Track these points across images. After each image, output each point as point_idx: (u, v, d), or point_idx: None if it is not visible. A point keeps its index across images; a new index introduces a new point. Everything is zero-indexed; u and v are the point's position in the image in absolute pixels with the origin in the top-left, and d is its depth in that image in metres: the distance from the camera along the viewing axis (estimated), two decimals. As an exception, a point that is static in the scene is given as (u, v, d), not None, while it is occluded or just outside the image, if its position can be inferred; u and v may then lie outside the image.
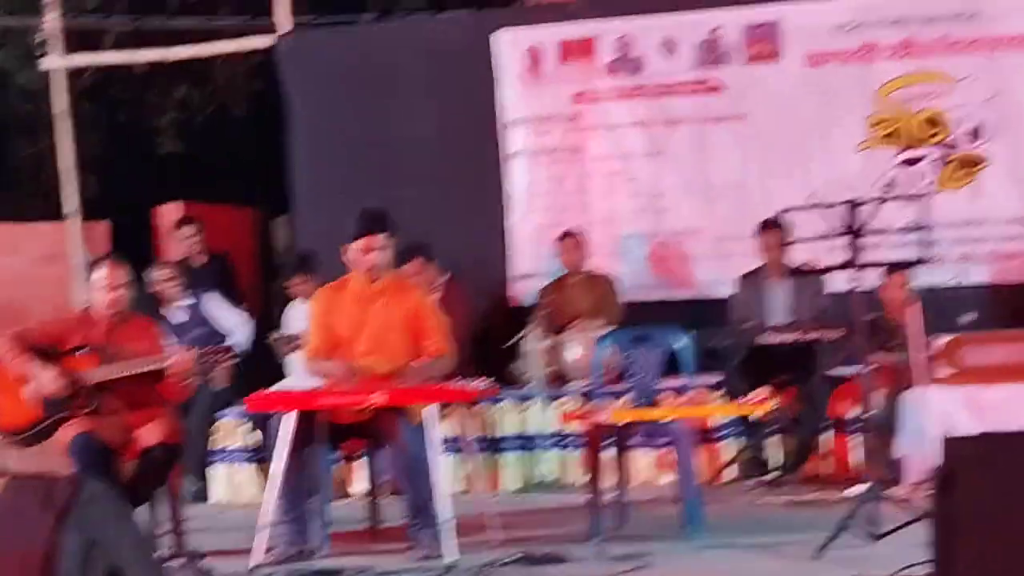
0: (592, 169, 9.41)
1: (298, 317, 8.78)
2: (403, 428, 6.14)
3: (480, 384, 5.99)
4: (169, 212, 10.75)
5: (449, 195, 9.46)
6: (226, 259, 10.11)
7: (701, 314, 8.97)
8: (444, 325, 6.53)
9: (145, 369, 6.49)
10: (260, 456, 8.70)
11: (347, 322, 6.45)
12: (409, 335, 6.42)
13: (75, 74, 11.09)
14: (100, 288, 6.66)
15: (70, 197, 10.22)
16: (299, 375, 8.49)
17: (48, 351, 6.62)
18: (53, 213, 11.18)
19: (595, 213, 9.39)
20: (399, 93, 9.63)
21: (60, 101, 10.24)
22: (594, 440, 6.20)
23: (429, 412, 5.94)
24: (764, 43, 9.08)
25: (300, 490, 6.22)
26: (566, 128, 9.43)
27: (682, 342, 6.47)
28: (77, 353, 6.60)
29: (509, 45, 9.47)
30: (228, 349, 6.50)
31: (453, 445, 7.48)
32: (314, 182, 9.93)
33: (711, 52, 9.15)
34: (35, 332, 6.70)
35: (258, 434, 8.74)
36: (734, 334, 7.89)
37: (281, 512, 6.15)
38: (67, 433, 6.44)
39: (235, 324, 8.80)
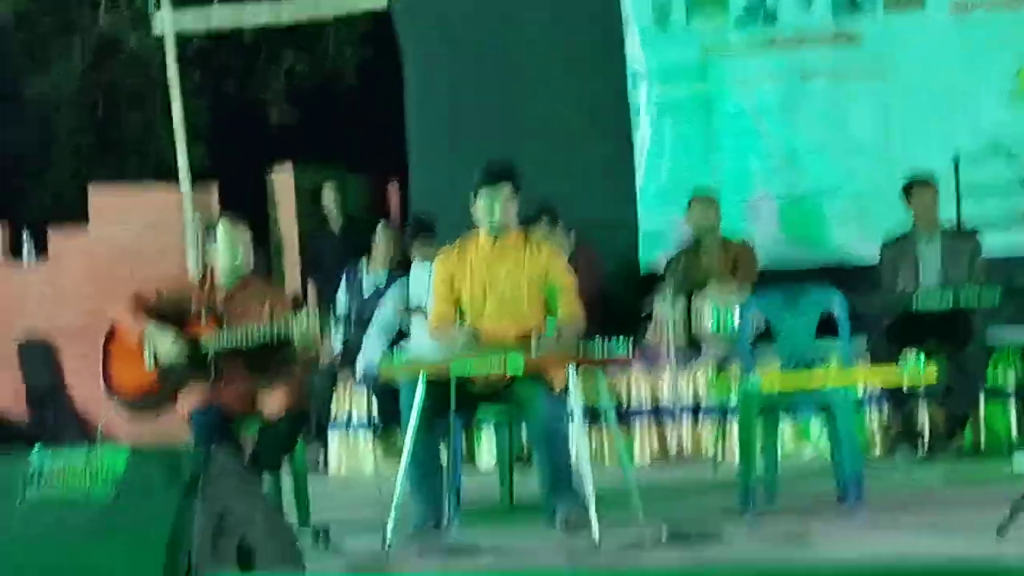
0: (722, 125, 8.94)
1: (420, 281, 8.43)
2: (541, 396, 5.77)
3: (623, 349, 5.59)
4: (282, 176, 10.46)
5: (574, 153, 9.07)
6: (363, 222, 9.87)
7: (839, 279, 8.53)
8: (575, 287, 6.14)
9: (268, 335, 6.18)
10: (378, 426, 8.42)
11: (472, 285, 6.08)
12: (539, 297, 6.05)
13: (184, 41, 10.94)
14: (220, 249, 6.36)
15: (182, 161, 9.95)
16: (420, 342, 8.18)
17: (167, 316, 6.34)
18: (162, 179, 10.99)
19: (726, 173, 8.92)
20: (520, 47, 9.25)
21: (171, 64, 9.96)
22: (747, 409, 5.78)
23: (571, 379, 5.55)
24: (906, -10, 8.55)
25: (431, 462, 5.87)
26: (695, 82, 8.96)
27: (837, 303, 6.02)
28: (198, 318, 6.32)
29: (635, -2, 9.03)
30: (359, 314, 6.16)
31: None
32: (430, 143, 9.58)
33: (849, 1, 8.63)
34: (153, 296, 6.42)
35: (375, 403, 8.47)
36: (882, 298, 7.42)
37: (412, 485, 5.80)
38: (187, 401, 6.16)
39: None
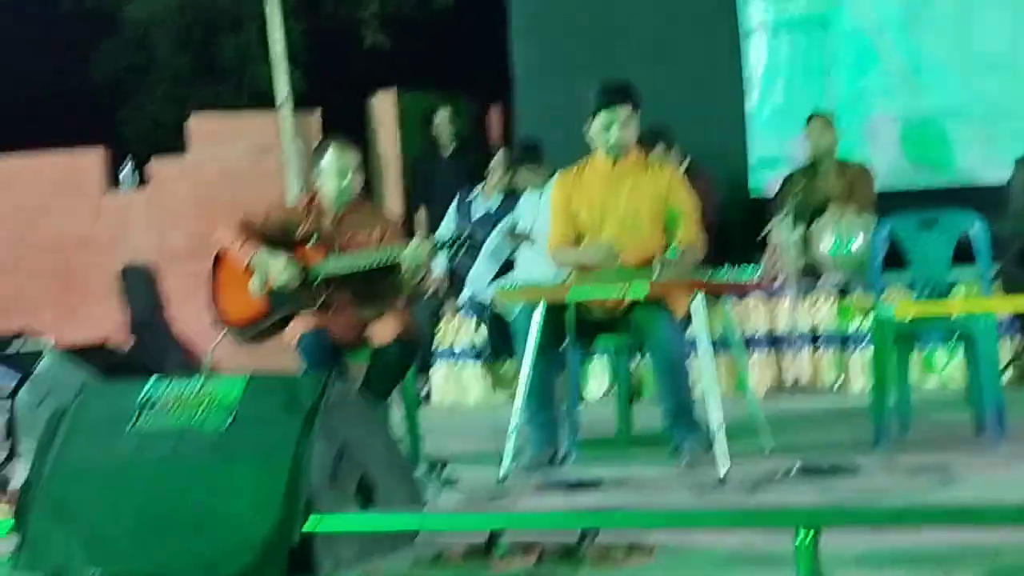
0: (839, 43, 8.58)
1: (529, 208, 8.23)
2: (664, 324, 5.53)
3: (751, 275, 5.33)
4: (383, 101, 10.24)
5: (682, 76, 8.75)
6: (473, 147, 9.69)
7: (965, 204, 8.21)
8: (697, 211, 5.88)
9: (378, 261, 5.99)
10: (485, 355, 8.24)
11: (591, 207, 5.84)
12: (659, 220, 5.79)
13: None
14: (329, 173, 6.14)
15: (281, 86, 9.76)
16: (529, 268, 7.97)
17: (276, 240, 6.16)
18: (260, 105, 10.84)
19: (843, 92, 8.58)
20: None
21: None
22: (882, 337, 5.50)
23: (699, 306, 5.30)
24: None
25: (548, 391, 5.67)
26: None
27: (978, 227, 5.71)
28: (306, 243, 6.13)
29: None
30: (469, 238, 5.94)
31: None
32: (534, 67, 9.34)
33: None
34: (261, 220, 6.23)
35: (483, 331, 8.29)
36: (1013, 222, 7.08)
37: (528, 416, 5.60)
38: (296, 329, 5.98)
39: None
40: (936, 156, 8.41)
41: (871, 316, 5.70)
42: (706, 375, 5.31)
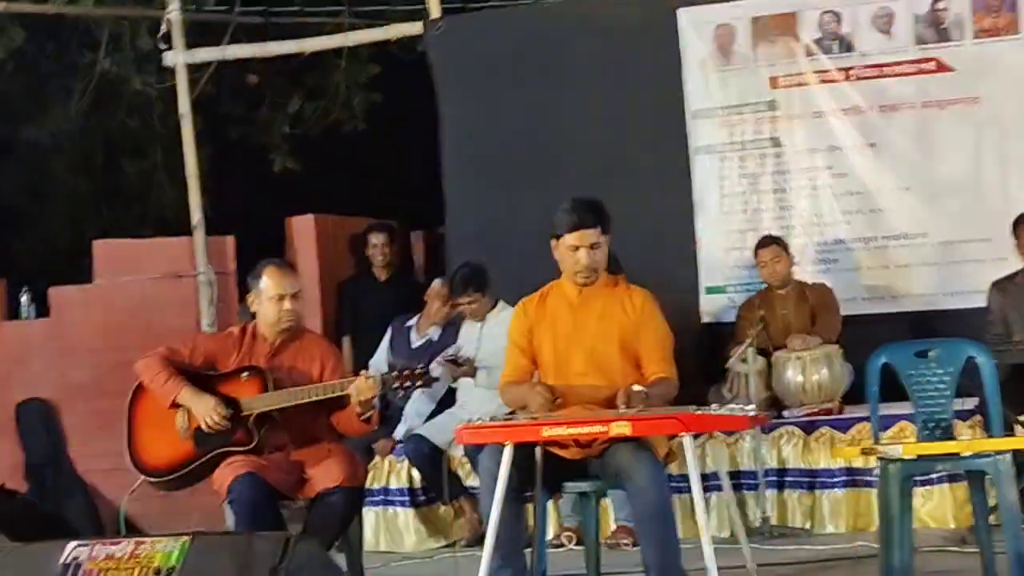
0: (794, 165, 8.13)
1: (470, 338, 7.65)
2: (647, 465, 4.94)
3: (748, 410, 4.77)
4: (302, 225, 9.63)
5: (627, 197, 8.14)
6: (406, 274, 9.12)
7: (923, 331, 7.76)
8: (671, 341, 5.35)
9: (321, 397, 5.37)
10: (420, 499, 7.60)
11: (555, 338, 5.28)
12: (631, 352, 5.24)
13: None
14: (267, 297, 5.53)
15: (195, 209, 9.13)
16: (473, 402, 7.38)
17: (201, 375, 5.52)
18: (164, 233, 10.22)
19: (797, 216, 8.12)
20: (567, 81, 8.45)
21: (184, 102, 9.17)
22: (889, 479, 4.94)
23: (689, 443, 4.72)
24: (998, 14, 7.77)
25: (518, 539, 5.05)
26: (762, 118, 8.16)
27: (982, 355, 5.22)
28: (237, 377, 5.50)
29: (695, 23, 8.23)
30: (424, 372, 5.34)
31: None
32: (468, 187, 8.75)
33: (933, 26, 7.85)
34: (185, 352, 5.60)
35: (416, 473, 7.64)
36: (993, 351, 6.61)
37: (496, 567, 4.96)
38: (226, 474, 5.32)
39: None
40: (895, 281, 7.94)
41: (874, 457, 5.15)
42: (701, 521, 4.72)
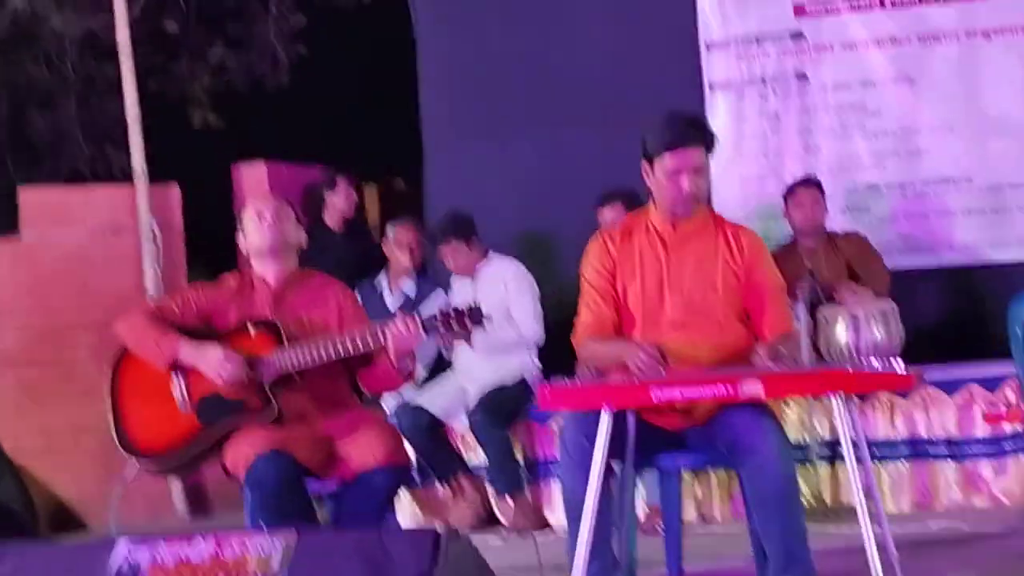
0: (820, 102, 7.31)
1: (463, 297, 6.71)
2: (774, 437, 4.07)
3: (905, 367, 3.91)
4: (253, 172, 8.61)
5: (633, 142, 7.34)
6: (363, 228, 8.18)
7: (966, 285, 7.03)
8: (785, 289, 4.49)
9: (352, 350, 4.41)
10: (416, 479, 6.66)
11: (644, 283, 4.38)
12: (737, 300, 4.36)
13: (92, 39, 9.51)
14: (251, 227, 4.57)
15: (136, 156, 8.07)
16: (473, 369, 6.48)
17: (197, 334, 4.54)
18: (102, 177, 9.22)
19: (824, 159, 7.31)
20: (564, 10, 7.57)
21: (123, 32, 8.10)
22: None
23: (842, 407, 3.86)
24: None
25: (607, 523, 4.14)
26: (786, 50, 7.33)
27: None
28: (241, 334, 4.52)
29: (713, -57, 7.39)
30: (474, 310, 4.39)
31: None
32: (449, 133, 7.82)
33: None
34: (175, 308, 4.62)
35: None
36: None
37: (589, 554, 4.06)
38: (243, 451, 4.34)
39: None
40: (934, 231, 7.16)
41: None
42: (860, 498, 3.86)
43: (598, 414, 4.00)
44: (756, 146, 7.39)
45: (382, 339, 4.36)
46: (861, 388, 4.24)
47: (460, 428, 6.64)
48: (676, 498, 4.58)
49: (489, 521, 6.57)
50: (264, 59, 11.04)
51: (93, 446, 7.63)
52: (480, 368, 6.58)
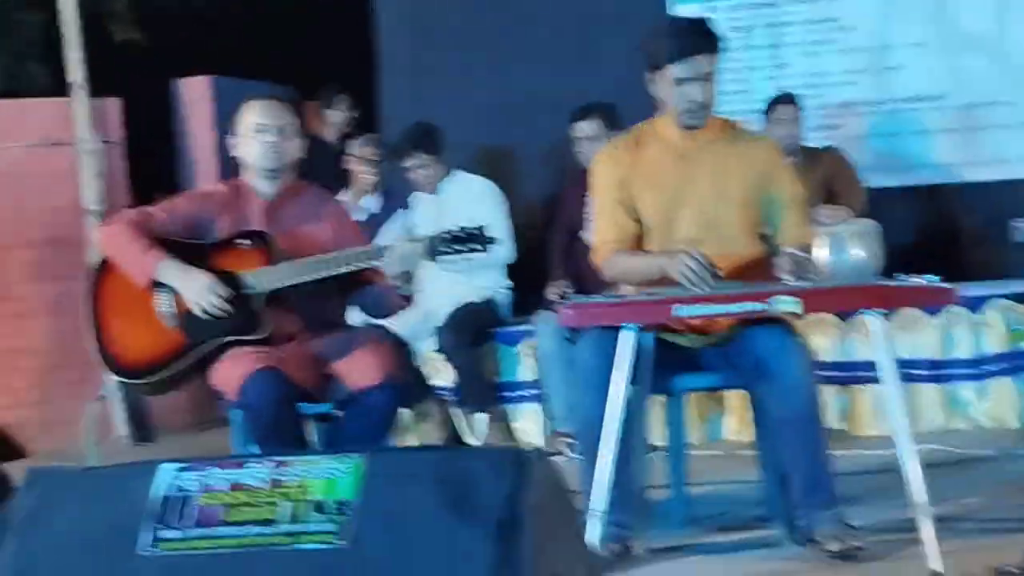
0: (791, 16, 7.11)
1: (428, 213, 6.46)
2: (798, 357, 3.89)
3: (934, 280, 3.74)
4: (197, 86, 8.25)
5: (596, 56, 7.14)
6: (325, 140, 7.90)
7: (942, 205, 6.91)
8: (805, 199, 4.30)
9: (349, 268, 4.16)
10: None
11: (657, 196, 4.16)
12: (754, 212, 4.17)
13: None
14: (257, 141, 4.30)
15: (75, 67, 7.67)
16: (439, 289, 6.24)
17: (186, 245, 4.26)
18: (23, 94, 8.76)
19: (795, 75, 7.10)
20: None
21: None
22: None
23: (878, 323, 3.68)
24: None
25: (627, 450, 3.93)
26: (757, -38, 7.13)
27: None
28: (230, 246, 4.25)
29: None
30: (479, 230, 4.16)
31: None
32: (405, 43, 7.51)
33: None
34: (162, 216, 4.34)
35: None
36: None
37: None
38: (234, 370, 4.08)
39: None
40: (909, 150, 7.01)
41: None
42: (898, 423, 3.68)
43: (615, 333, 3.79)
44: (728, 61, 7.14)
45: (382, 259, 4.12)
46: (901, 302, 4.08)
47: (424, 350, 6.42)
48: (680, 418, 4.39)
49: (455, 444, 6.36)
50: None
51: (30, 368, 7.35)
52: (448, 288, 6.35)
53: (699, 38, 4.15)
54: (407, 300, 4.40)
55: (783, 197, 4.16)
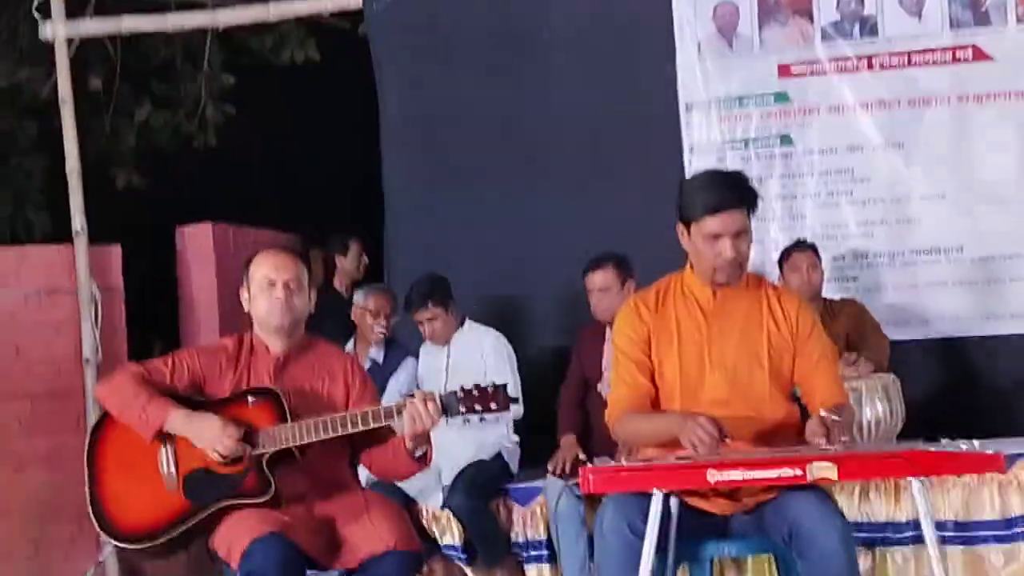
0: (806, 167, 7.00)
1: (434, 369, 6.32)
2: (837, 526, 3.69)
3: (990, 446, 3.55)
4: (199, 234, 8.13)
5: (609, 204, 7.02)
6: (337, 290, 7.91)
7: (958, 360, 6.75)
8: (837, 358, 4.14)
9: (362, 427, 3.99)
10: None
11: (682, 355, 4.00)
12: (780, 376, 4.00)
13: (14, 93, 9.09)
14: (266, 297, 4.15)
15: (76, 214, 7.57)
16: (447, 446, 6.04)
17: (190, 402, 4.09)
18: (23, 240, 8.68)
19: (810, 227, 6.97)
20: (538, 67, 7.20)
21: (64, 84, 7.60)
22: None
23: (918, 492, 3.49)
24: (1045, -4, 6.77)
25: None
26: (770, 112, 7.02)
27: None
28: (237, 405, 4.08)
29: (691, 3, 7.06)
30: (500, 389, 4.00)
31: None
32: (415, 192, 7.40)
33: (971, 8, 6.82)
34: (165, 370, 4.17)
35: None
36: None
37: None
38: (238, 534, 3.88)
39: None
40: (926, 302, 6.87)
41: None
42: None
43: (641, 498, 3.60)
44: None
45: (395, 419, 3.95)
46: (948, 471, 3.87)
47: (431, 507, 6.21)
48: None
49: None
50: (192, 118, 10.61)
51: (21, 526, 7.12)
52: (456, 445, 6.17)
53: (735, 192, 4.03)
54: (421, 462, 4.18)
55: (814, 357, 4.00)
